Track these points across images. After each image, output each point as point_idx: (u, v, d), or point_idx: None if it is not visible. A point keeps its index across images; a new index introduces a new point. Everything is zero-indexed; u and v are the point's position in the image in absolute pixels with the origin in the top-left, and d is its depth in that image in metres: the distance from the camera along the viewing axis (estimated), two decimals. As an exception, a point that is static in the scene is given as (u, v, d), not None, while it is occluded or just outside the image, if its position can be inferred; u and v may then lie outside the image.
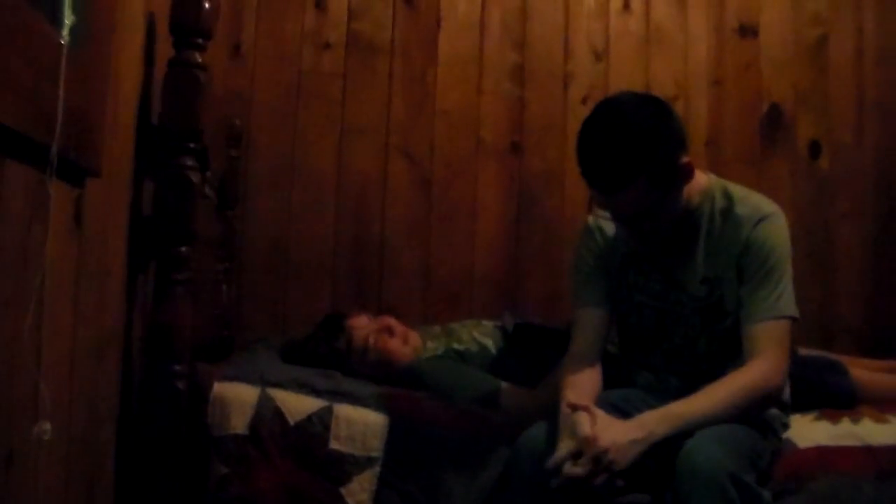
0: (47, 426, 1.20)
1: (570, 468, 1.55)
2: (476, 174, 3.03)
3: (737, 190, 1.81)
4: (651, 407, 1.67)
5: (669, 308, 1.83)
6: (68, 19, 1.23)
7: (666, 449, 1.57)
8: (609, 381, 1.82)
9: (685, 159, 1.67)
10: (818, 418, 2.01)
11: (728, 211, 1.78)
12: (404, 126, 3.01)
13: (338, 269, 2.96)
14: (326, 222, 2.96)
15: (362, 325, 2.36)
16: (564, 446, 1.58)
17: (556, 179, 3.03)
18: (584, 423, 1.58)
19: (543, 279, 3.00)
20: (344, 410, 1.94)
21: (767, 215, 1.75)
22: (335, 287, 2.95)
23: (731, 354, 1.74)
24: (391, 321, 2.39)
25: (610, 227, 1.87)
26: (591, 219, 1.92)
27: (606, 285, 1.87)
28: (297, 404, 1.95)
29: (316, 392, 1.98)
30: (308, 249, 2.94)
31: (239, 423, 1.91)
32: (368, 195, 2.99)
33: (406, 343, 2.35)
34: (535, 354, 2.26)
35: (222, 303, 2.67)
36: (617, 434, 1.56)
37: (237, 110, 2.89)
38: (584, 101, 3.03)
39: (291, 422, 1.92)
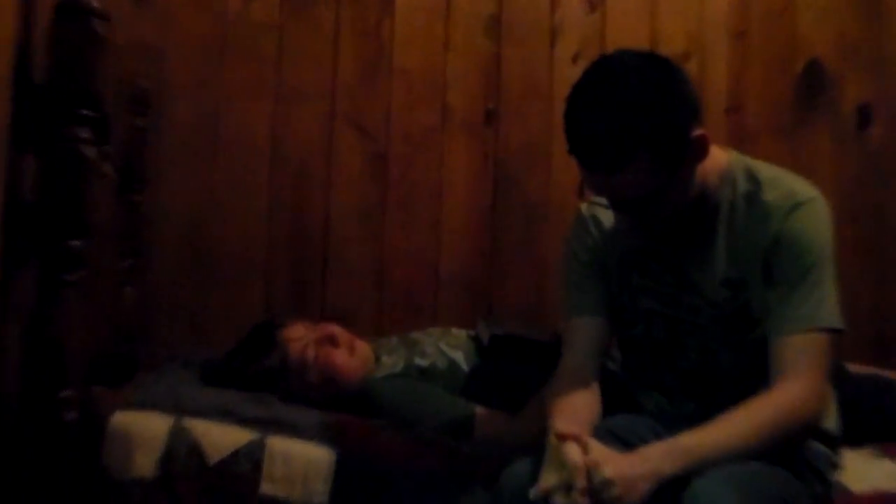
0: None
1: (563, 500, 1.52)
2: (442, 150, 3.00)
3: (765, 170, 1.80)
4: (659, 438, 1.66)
5: (683, 316, 1.82)
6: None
7: (673, 490, 1.55)
8: (610, 406, 1.81)
9: (698, 131, 1.66)
10: (877, 455, 2.00)
11: (754, 196, 1.76)
12: (354, 90, 2.98)
13: (271, 268, 2.94)
14: (258, 209, 2.94)
15: (299, 335, 2.35)
16: (551, 477, 1.55)
17: (540, 156, 3.00)
18: (573, 453, 1.56)
19: (526, 279, 2.98)
20: (279, 444, 1.93)
21: (803, 202, 1.73)
22: (268, 290, 2.93)
23: (761, 373, 1.71)
24: (334, 328, 2.38)
25: (608, 217, 1.87)
26: (583, 206, 1.92)
27: (604, 289, 1.88)
28: (220, 438, 1.95)
29: (243, 421, 1.97)
30: (235, 242, 2.92)
31: (146, 464, 1.90)
32: (310, 175, 2.96)
33: (353, 354, 2.34)
34: (516, 372, 2.25)
35: (125, 310, 2.63)
36: (622, 466, 1.55)
37: (145, 68, 2.82)
38: (574, 59, 3.00)
39: (212, 460, 1.91)
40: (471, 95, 3.02)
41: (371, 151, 2.99)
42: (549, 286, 2.91)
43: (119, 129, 2.44)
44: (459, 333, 2.47)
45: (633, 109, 1.59)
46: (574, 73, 1.89)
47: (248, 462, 1.89)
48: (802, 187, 1.76)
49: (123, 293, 2.63)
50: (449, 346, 2.39)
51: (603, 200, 1.79)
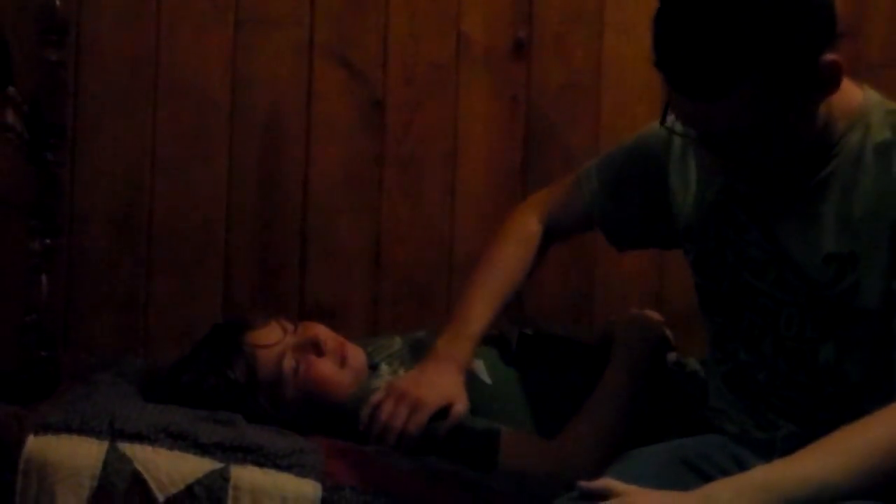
0: None
1: None
2: (457, 93, 3.00)
3: None
4: (743, 469, 1.65)
5: (768, 290, 1.83)
6: None
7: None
8: (680, 421, 1.89)
9: (830, 56, 1.63)
10: None
11: (888, 150, 1.73)
12: (339, 15, 2.98)
13: (234, 249, 2.95)
14: (214, 172, 2.95)
15: (272, 339, 2.33)
16: None
17: (587, 100, 2.99)
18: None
19: (567, 261, 2.96)
20: (247, 476, 1.92)
21: None
22: (230, 278, 2.95)
23: (878, 386, 1.70)
24: (318, 330, 2.37)
25: None
26: None
27: (643, 208, 2.11)
28: (171, 467, 1.92)
29: (201, 447, 1.96)
30: (184, 216, 2.94)
31: (72, 502, 1.88)
32: (282, 127, 2.97)
33: (344, 364, 2.33)
34: (553, 383, 2.29)
35: (41, 304, 2.57)
36: None
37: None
38: (636, -34, 2.99)
39: (160, 496, 1.90)
40: (494, 21, 3.00)
41: (363, 96, 2.98)
42: (599, 272, 2.93)
43: (28, 66, 2.43)
44: (479, 335, 2.46)
45: (748, 16, 1.58)
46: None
47: (208, 498, 1.88)
48: None
49: (38, 283, 2.55)
50: (466, 351, 2.49)
51: (689, 131, 1.80)
